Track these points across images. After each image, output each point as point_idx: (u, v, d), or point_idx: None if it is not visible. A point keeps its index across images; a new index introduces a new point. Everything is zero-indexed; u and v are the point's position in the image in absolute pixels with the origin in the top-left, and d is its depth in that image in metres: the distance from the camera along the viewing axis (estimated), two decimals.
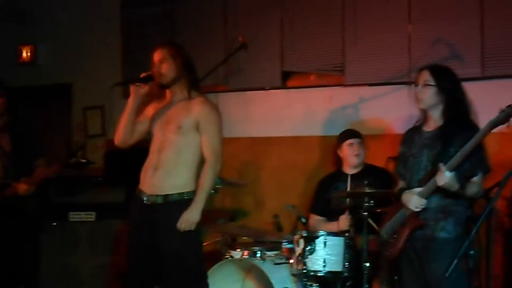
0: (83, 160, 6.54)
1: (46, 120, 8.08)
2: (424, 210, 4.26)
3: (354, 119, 6.49)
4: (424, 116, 4.47)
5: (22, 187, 5.80)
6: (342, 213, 5.61)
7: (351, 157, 5.85)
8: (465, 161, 4.11)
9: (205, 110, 4.81)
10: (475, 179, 4.20)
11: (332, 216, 5.81)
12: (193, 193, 4.73)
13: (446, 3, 6.12)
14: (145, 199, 4.76)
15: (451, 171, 4.07)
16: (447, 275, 3.65)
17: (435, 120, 4.37)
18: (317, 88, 6.77)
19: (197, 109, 4.79)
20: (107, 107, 7.48)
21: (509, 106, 3.99)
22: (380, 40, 6.40)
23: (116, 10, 7.77)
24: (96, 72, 7.64)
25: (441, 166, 4.09)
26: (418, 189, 4.24)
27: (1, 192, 5.78)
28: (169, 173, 4.73)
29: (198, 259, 4.85)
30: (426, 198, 4.21)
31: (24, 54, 8.32)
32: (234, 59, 6.45)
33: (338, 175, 5.98)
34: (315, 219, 5.93)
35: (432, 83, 4.33)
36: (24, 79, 8.04)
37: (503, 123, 4.00)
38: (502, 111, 3.99)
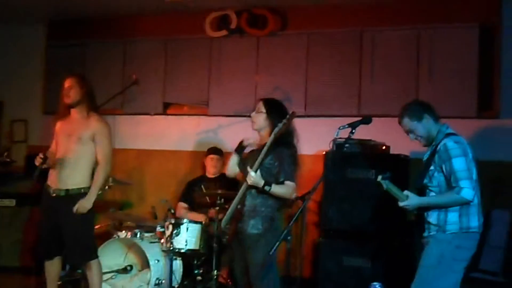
0: (8, 160, 6.38)
1: None
2: (243, 207, 4.13)
3: (215, 140, 6.53)
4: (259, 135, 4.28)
5: None
6: (202, 205, 5.77)
7: (210, 167, 6.09)
8: (275, 169, 4.05)
9: (100, 125, 4.73)
10: (287, 183, 4.04)
11: (194, 207, 5.94)
12: (88, 188, 4.66)
13: (283, 62, 6.31)
14: (52, 192, 4.66)
15: (255, 172, 3.98)
16: (271, 253, 3.65)
17: (264, 138, 4.16)
18: (188, 116, 6.75)
19: (94, 124, 4.70)
20: (30, 120, 7.28)
21: (285, 117, 3.95)
22: (235, 84, 6.48)
23: (42, 46, 7.33)
24: (22, 92, 7.32)
25: (248, 169, 4.05)
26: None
27: None
28: (70, 173, 4.65)
29: (91, 237, 4.81)
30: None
31: None
32: (129, 91, 6.40)
33: (202, 178, 6.14)
34: (182, 206, 5.98)
35: (263, 110, 4.19)
36: None
37: (283, 132, 3.93)
38: (281, 123, 3.94)
